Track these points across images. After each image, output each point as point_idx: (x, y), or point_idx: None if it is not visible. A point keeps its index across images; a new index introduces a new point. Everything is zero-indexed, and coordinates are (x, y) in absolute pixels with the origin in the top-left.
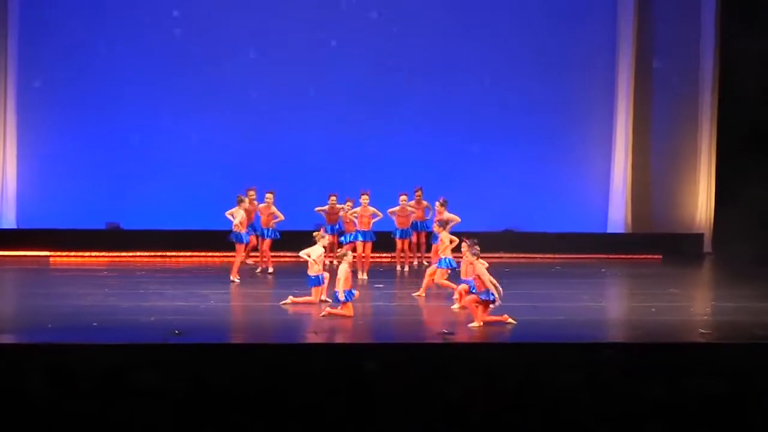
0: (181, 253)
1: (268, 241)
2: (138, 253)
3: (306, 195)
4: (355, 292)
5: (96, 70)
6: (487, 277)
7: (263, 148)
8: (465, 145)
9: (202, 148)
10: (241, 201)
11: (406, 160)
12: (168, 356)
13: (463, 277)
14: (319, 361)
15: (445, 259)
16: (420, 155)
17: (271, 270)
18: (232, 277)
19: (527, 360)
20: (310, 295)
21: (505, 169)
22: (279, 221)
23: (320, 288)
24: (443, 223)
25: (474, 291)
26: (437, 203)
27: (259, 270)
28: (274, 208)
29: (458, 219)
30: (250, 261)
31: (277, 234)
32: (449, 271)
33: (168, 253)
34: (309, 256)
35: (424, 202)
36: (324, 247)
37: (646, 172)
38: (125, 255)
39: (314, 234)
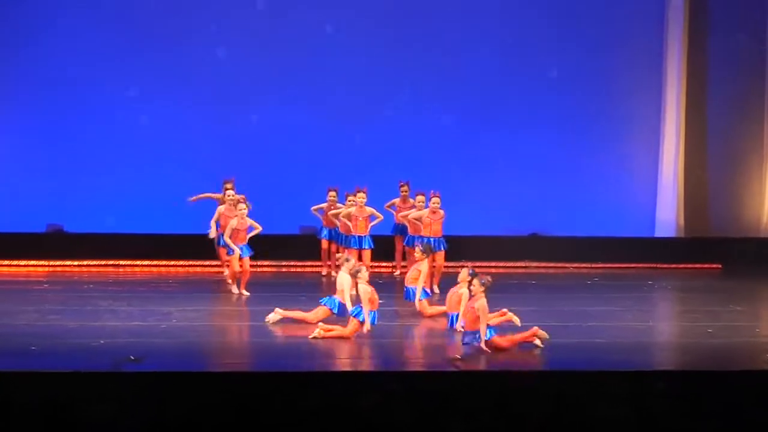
0: (138, 262)
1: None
2: (85, 262)
3: (292, 192)
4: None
5: (35, 50)
6: (488, 316)
7: (236, 137)
8: (482, 133)
9: (163, 138)
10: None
11: (412, 150)
12: (121, 387)
13: (447, 310)
14: (307, 393)
15: (423, 289)
16: (428, 144)
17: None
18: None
19: (556, 391)
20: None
21: (530, 160)
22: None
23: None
24: (427, 249)
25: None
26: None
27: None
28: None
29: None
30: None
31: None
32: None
33: (121, 262)
34: (344, 293)
35: (411, 200)
36: (349, 272)
37: (701, 165)
38: (70, 264)
39: (337, 257)
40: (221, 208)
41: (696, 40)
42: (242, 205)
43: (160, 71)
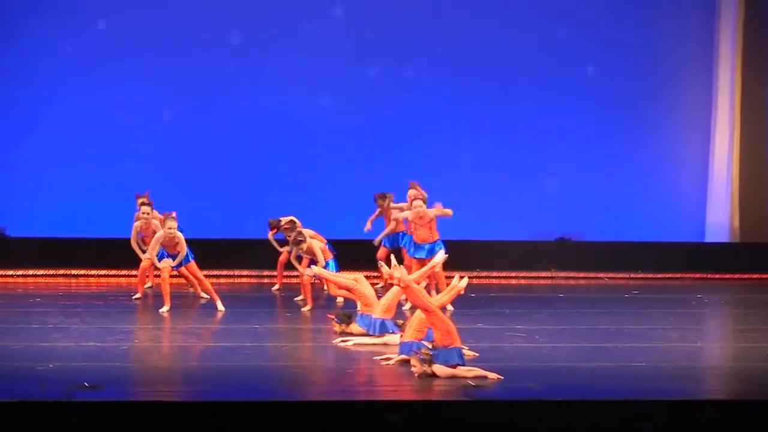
0: (93, 272)
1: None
2: (31, 272)
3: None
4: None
5: None
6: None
7: (211, 122)
8: (501, 121)
9: (123, 130)
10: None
11: (421, 141)
12: (73, 418)
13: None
14: (294, 427)
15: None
16: (439, 134)
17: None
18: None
19: (588, 425)
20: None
21: (558, 153)
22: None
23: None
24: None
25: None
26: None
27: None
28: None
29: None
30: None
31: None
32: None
33: (74, 271)
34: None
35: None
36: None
37: (759, 160)
38: (12, 273)
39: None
40: (138, 225)
41: (752, 17)
42: (172, 222)
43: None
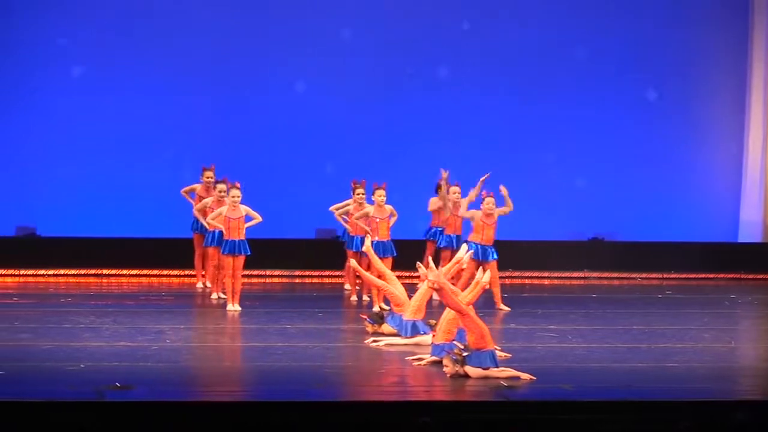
0: (124, 271)
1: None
2: (62, 271)
3: (306, 189)
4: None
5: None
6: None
7: (233, 119)
8: (532, 117)
9: (154, 129)
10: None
11: (450, 137)
12: (104, 418)
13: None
14: (325, 428)
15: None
16: (468, 130)
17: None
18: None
19: (621, 426)
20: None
21: (591, 152)
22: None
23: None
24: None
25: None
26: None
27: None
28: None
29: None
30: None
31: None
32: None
33: (105, 271)
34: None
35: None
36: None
37: None
38: (44, 273)
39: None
40: (208, 201)
41: None
42: (236, 192)
43: (144, 47)
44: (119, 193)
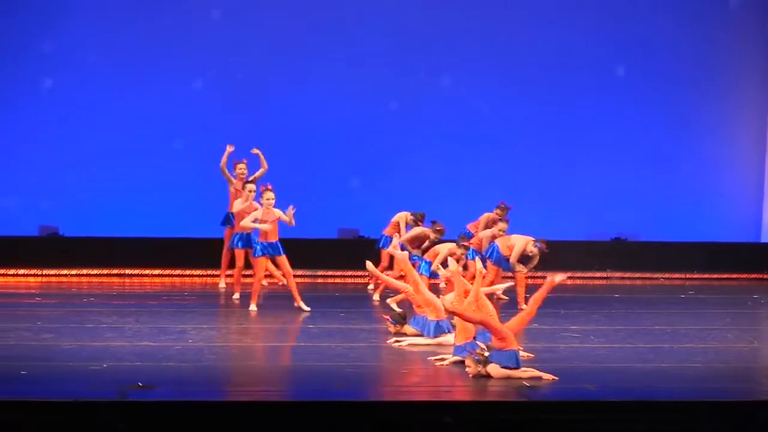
0: (147, 271)
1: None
2: (85, 271)
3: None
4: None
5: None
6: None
7: (256, 119)
8: (555, 118)
9: (175, 129)
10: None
11: (476, 142)
12: (127, 419)
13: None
14: (348, 427)
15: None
16: (490, 132)
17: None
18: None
19: (644, 426)
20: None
21: (614, 152)
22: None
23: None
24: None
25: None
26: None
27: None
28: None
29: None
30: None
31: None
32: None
33: (128, 271)
34: None
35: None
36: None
37: None
38: (66, 273)
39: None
40: (237, 203)
41: None
42: (269, 194)
43: (162, 44)
44: (142, 193)
